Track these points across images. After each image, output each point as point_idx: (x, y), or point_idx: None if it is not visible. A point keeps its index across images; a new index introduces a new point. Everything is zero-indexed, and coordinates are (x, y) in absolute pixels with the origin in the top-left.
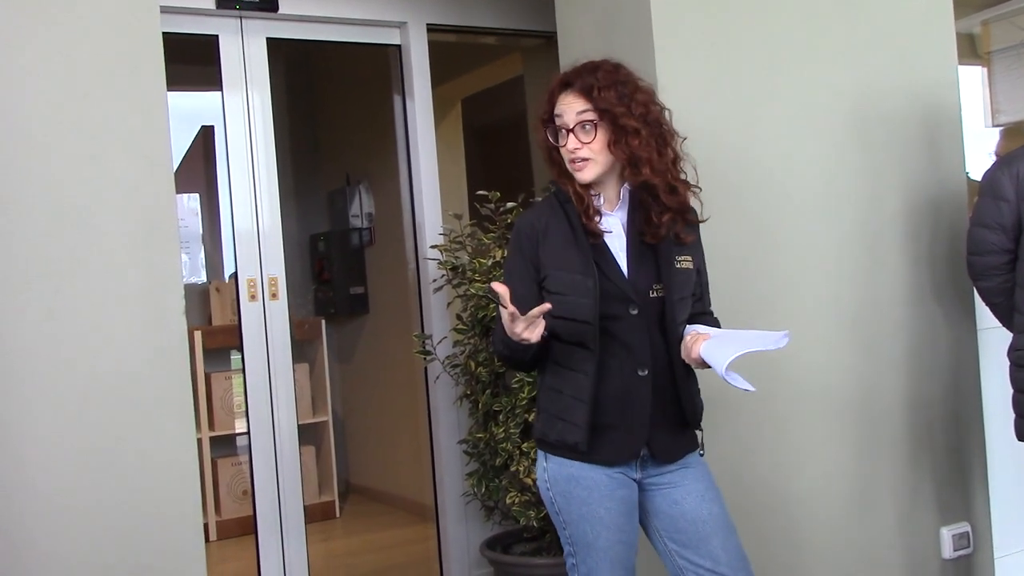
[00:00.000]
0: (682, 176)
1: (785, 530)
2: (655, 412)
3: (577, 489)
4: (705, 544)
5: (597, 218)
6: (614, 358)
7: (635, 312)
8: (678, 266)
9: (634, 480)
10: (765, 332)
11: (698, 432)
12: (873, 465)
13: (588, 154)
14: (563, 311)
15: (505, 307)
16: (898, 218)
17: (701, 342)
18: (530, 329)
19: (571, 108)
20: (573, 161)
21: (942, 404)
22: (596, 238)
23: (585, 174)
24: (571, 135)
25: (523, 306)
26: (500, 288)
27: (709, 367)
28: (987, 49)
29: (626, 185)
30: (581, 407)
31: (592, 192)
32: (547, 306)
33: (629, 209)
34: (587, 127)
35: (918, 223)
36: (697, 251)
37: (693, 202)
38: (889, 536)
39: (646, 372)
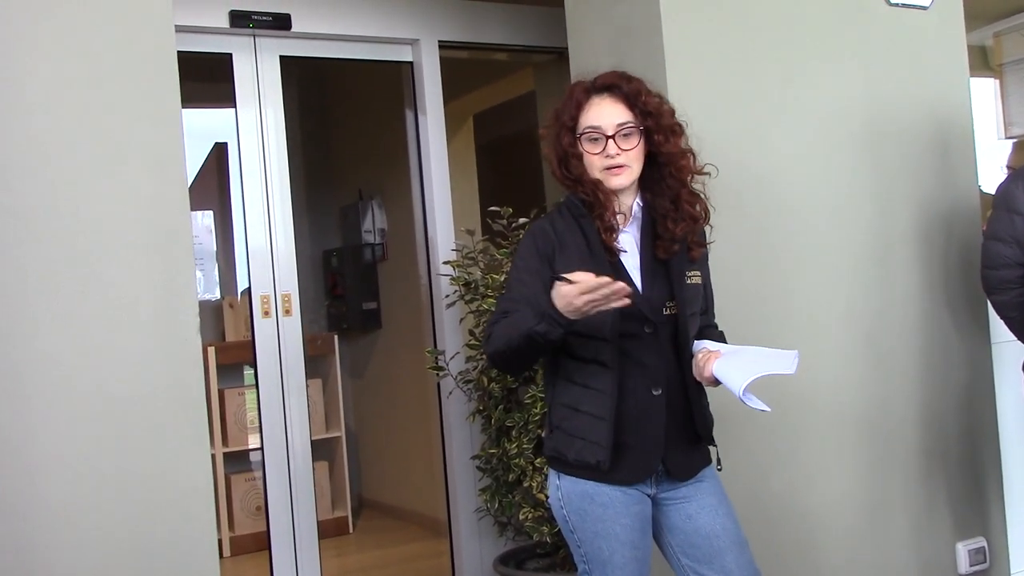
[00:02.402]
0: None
1: (800, 545)
2: (669, 430)
3: (592, 506)
4: (719, 559)
5: (614, 235)
6: (629, 377)
7: (650, 331)
8: (688, 282)
9: (648, 495)
10: (774, 349)
11: (713, 447)
12: (888, 479)
13: (626, 160)
14: (585, 329)
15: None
16: (911, 231)
17: (713, 360)
18: (591, 300)
19: (610, 114)
20: (610, 168)
21: (956, 418)
22: (613, 256)
23: (621, 180)
24: (611, 141)
25: (535, 304)
26: (583, 276)
27: (719, 385)
28: (999, 61)
29: (638, 200)
30: (602, 425)
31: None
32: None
33: (642, 225)
34: (628, 134)
35: (931, 236)
36: (704, 266)
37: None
38: (904, 551)
39: (660, 391)
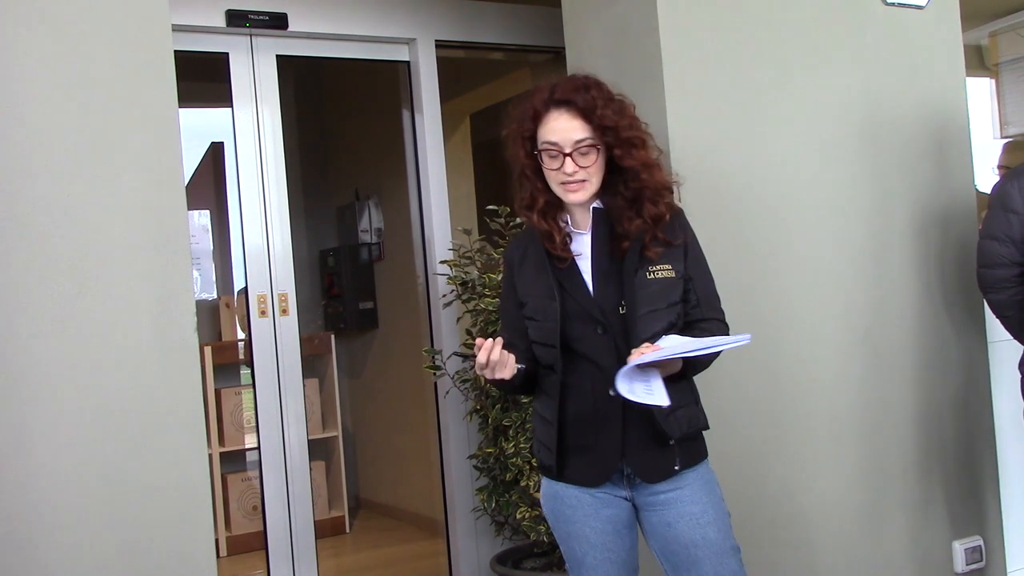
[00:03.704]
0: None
1: (796, 544)
2: (629, 432)
3: (562, 507)
4: (696, 568)
5: (569, 240)
6: (585, 379)
7: (600, 332)
8: (650, 276)
9: (624, 498)
10: (725, 337)
11: (701, 445)
12: (884, 478)
13: (585, 176)
14: (537, 336)
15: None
16: (907, 230)
17: (637, 356)
18: (498, 369)
19: (567, 131)
20: (567, 183)
21: (953, 416)
22: (564, 262)
23: (580, 195)
24: (568, 159)
25: (510, 330)
26: (477, 341)
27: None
28: (995, 61)
29: (595, 204)
30: (551, 429)
31: (563, 217)
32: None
33: (593, 227)
34: (585, 151)
35: (927, 235)
36: (678, 257)
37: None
38: (901, 550)
39: (615, 393)
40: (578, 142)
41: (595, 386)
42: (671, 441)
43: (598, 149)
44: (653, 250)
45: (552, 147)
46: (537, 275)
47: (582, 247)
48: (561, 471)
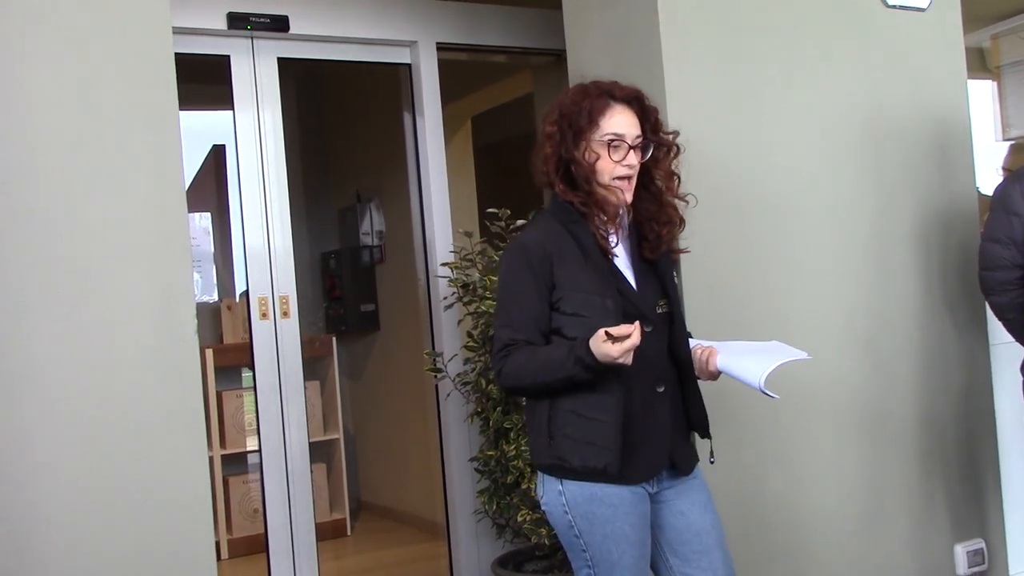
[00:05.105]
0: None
1: (797, 547)
2: (673, 426)
3: (601, 508)
4: (707, 556)
5: (610, 240)
6: (633, 376)
7: (649, 329)
8: (675, 279)
9: (650, 493)
10: (755, 342)
11: (708, 440)
12: (886, 481)
13: (634, 172)
14: (584, 332)
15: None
16: (909, 233)
17: (715, 357)
18: (628, 353)
19: (630, 125)
20: (625, 178)
21: (955, 419)
22: (608, 260)
23: (630, 193)
24: (632, 152)
25: (538, 326)
26: (627, 328)
27: (715, 379)
28: (997, 63)
29: (626, 204)
30: (610, 428)
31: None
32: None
33: (627, 227)
34: (642, 148)
35: (929, 238)
36: (676, 264)
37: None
38: (903, 553)
39: (663, 388)
40: (637, 137)
41: (642, 383)
42: (710, 433)
43: (646, 149)
44: (676, 253)
45: (618, 138)
46: (582, 271)
47: (616, 247)
48: (621, 470)
